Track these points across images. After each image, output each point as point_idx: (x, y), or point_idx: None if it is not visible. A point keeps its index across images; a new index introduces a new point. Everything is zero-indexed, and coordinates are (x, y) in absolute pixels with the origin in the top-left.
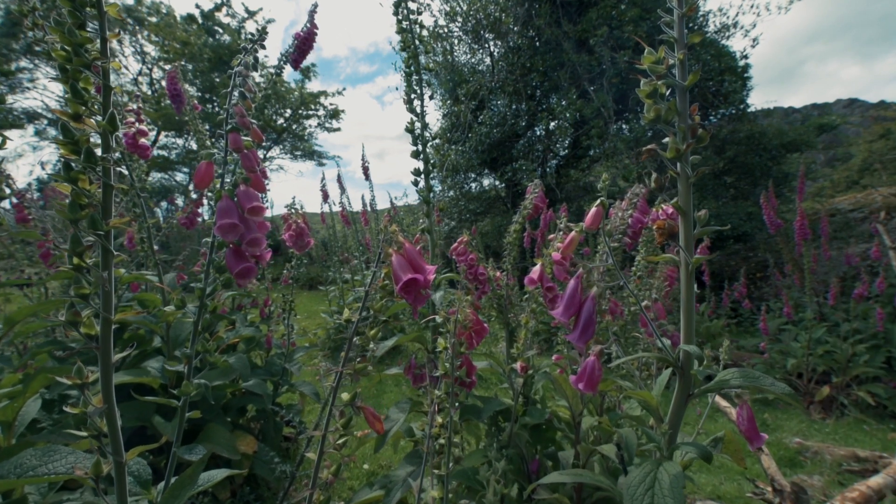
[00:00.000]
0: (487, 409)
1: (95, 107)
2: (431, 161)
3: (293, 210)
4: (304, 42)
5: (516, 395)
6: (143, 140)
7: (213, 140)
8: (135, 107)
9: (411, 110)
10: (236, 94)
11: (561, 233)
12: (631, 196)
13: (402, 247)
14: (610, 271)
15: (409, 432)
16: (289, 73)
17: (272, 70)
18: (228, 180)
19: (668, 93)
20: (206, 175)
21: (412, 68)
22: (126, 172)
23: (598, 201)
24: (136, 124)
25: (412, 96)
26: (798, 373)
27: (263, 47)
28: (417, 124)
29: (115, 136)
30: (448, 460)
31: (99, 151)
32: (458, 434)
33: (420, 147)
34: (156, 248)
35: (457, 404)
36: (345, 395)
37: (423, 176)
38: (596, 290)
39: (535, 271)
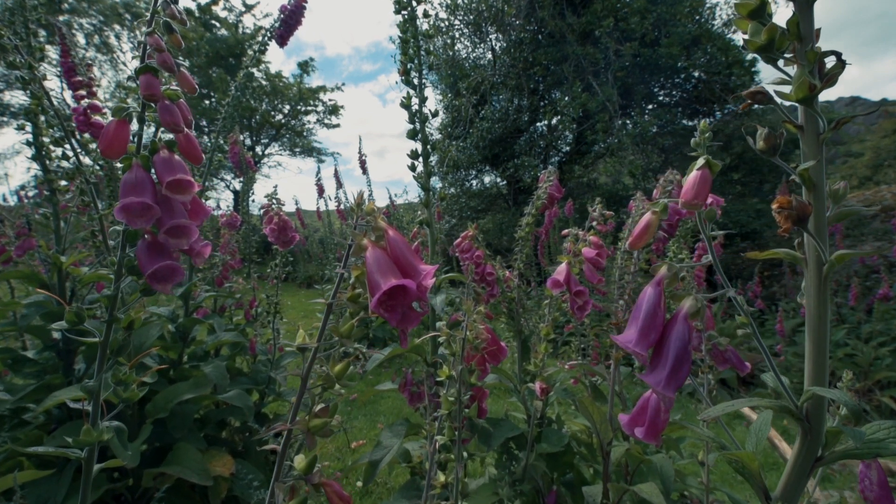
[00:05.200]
0: (498, 436)
1: None
2: (430, 143)
3: (273, 200)
4: (290, 15)
5: (532, 421)
6: (96, 117)
7: (214, 136)
8: (86, 78)
9: (408, 82)
10: (157, 21)
11: (595, 223)
12: (664, 183)
13: (384, 236)
14: (645, 273)
15: (404, 457)
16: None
17: (255, 49)
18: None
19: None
20: (114, 138)
21: (409, 34)
22: (71, 153)
23: (703, 161)
24: (88, 98)
25: (409, 66)
26: None
27: None
28: (415, 99)
29: None
30: None
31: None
32: (465, 498)
33: (418, 125)
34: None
35: (465, 455)
36: (299, 461)
37: (421, 159)
38: (690, 305)
39: (560, 272)
